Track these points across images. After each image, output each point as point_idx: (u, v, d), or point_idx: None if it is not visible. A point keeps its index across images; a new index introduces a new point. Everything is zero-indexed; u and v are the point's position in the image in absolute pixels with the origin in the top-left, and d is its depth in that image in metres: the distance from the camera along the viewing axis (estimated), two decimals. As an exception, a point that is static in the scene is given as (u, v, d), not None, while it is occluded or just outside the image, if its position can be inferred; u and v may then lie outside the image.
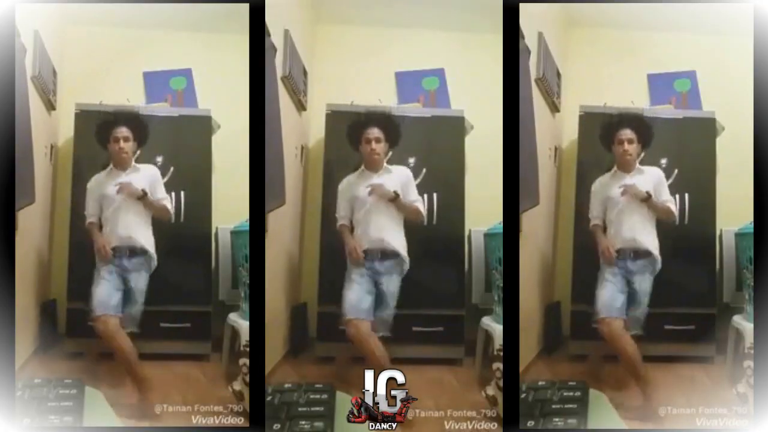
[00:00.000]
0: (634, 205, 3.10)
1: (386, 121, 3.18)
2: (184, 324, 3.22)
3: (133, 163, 3.14)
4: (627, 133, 3.13)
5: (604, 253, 3.10)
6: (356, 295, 3.07)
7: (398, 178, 3.15)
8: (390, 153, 3.18)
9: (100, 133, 3.14)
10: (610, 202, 3.12)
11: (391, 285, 3.11)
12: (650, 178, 3.13)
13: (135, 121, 3.16)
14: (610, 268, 3.08)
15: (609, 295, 3.06)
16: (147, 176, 3.13)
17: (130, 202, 3.09)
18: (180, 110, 3.34)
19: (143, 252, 3.08)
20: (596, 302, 3.07)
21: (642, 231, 3.09)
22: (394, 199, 3.11)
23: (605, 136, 3.17)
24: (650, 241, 3.09)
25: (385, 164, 3.15)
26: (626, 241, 3.08)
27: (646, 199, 3.09)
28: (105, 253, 3.07)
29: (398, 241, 3.11)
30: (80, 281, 3.23)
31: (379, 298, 3.11)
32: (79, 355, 3.20)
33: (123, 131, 3.12)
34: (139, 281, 3.08)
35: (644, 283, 3.08)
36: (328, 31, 3.50)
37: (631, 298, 3.08)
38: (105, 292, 3.04)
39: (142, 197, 3.08)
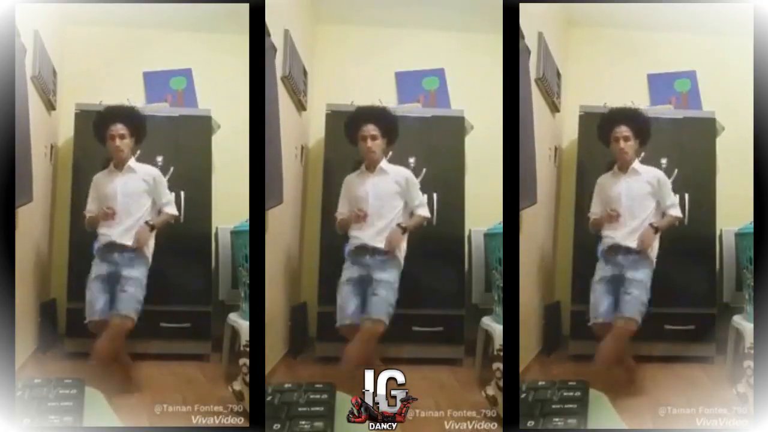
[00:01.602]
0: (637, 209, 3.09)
1: (382, 117, 3.15)
2: (184, 324, 3.22)
3: (131, 162, 3.12)
4: (623, 130, 3.11)
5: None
6: (343, 299, 3.08)
7: (394, 179, 3.13)
8: (390, 152, 3.18)
9: (97, 130, 3.13)
10: (609, 201, 3.11)
11: (388, 275, 3.08)
12: (647, 180, 3.11)
13: (131, 117, 3.13)
14: (604, 266, 3.07)
15: (597, 296, 3.06)
16: (144, 178, 3.11)
17: (133, 204, 3.09)
18: (180, 110, 3.34)
19: (139, 250, 3.08)
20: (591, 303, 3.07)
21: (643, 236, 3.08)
22: (404, 231, 3.11)
23: (602, 132, 3.15)
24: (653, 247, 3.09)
25: (381, 164, 3.14)
26: (625, 241, 3.07)
27: (656, 232, 3.08)
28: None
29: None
30: (80, 281, 3.23)
31: (372, 293, 3.08)
32: (79, 355, 3.20)
33: (119, 128, 3.11)
34: (133, 272, 3.05)
35: (639, 274, 3.04)
36: (328, 31, 3.50)
37: (624, 290, 3.04)
38: (93, 296, 3.04)
39: (152, 229, 3.09)
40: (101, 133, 3.12)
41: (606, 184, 3.14)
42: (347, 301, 3.08)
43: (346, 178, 3.17)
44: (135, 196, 3.10)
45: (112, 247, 3.06)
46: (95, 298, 3.04)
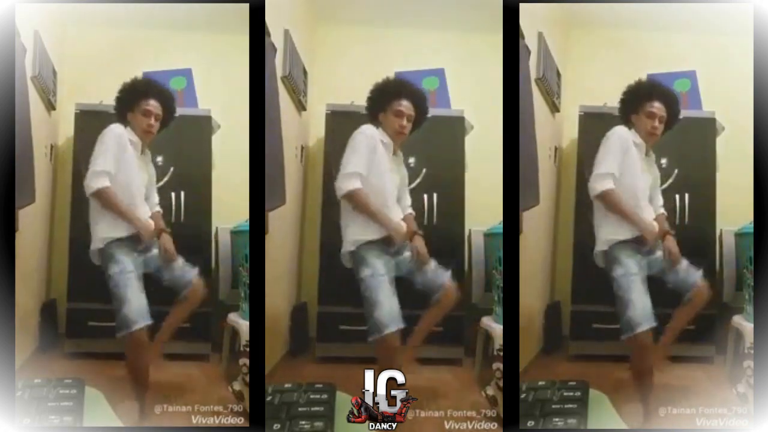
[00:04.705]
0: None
1: (421, 100, 2.96)
2: (184, 324, 3.22)
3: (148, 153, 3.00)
4: (661, 109, 2.92)
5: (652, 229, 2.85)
6: (388, 300, 2.86)
7: (402, 177, 3.05)
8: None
9: (126, 99, 2.92)
10: (636, 187, 2.89)
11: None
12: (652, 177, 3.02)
13: (168, 100, 3.02)
14: (636, 259, 2.92)
15: (642, 300, 2.82)
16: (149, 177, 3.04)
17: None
18: (180, 110, 3.33)
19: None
20: (631, 309, 2.85)
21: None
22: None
23: (633, 100, 2.92)
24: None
25: (400, 153, 3.03)
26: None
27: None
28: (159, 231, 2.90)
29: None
30: (80, 281, 3.23)
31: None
32: (79, 355, 3.20)
33: (156, 107, 2.93)
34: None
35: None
36: (328, 31, 3.50)
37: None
38: (138, 297, 2.84)
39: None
40: (130, 103, 2.90)
41: (633, 152, 2.87)
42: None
43: (358, 131, 2.94)
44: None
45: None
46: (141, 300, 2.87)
